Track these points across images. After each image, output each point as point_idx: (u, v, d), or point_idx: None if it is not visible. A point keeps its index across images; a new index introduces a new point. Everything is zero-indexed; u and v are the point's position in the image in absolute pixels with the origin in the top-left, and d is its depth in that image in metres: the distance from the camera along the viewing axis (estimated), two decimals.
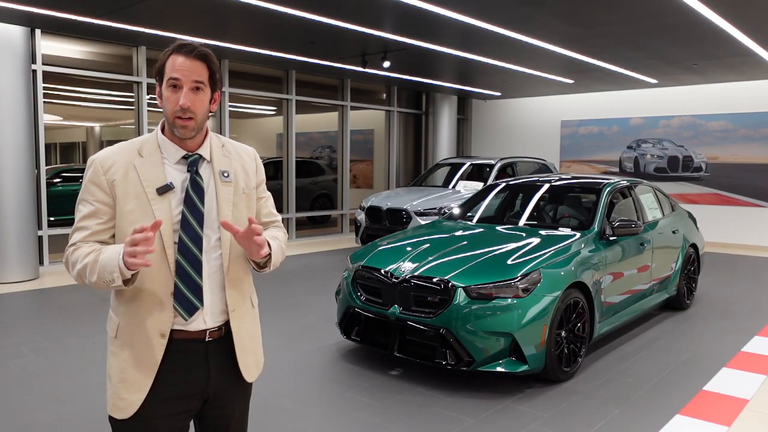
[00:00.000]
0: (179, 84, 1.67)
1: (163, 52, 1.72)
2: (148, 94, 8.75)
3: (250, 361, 1.87)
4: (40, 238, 7.76)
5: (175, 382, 1.74)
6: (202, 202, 1.74)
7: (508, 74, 10.29)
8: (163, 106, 1.72)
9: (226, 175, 1.81)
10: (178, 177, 1.74)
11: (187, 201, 1.71)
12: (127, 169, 1.70)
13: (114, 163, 1.70)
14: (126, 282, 1.60)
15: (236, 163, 1.86)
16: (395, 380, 4.19)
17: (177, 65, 1.67)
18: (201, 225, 1.72)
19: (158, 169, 1.72)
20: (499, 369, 3.90)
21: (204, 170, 1.78)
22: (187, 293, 1.70)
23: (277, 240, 1.91)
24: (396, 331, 4.18)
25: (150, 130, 9.30)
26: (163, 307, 1.70)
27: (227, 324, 1.80)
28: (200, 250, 1.72)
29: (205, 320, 1.75)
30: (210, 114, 1.78)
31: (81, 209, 1.72)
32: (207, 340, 1.76)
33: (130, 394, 1.71)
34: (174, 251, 1.69)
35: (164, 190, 1.70)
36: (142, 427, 1.73)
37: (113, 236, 1.72)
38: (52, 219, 8.05)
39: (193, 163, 1.76)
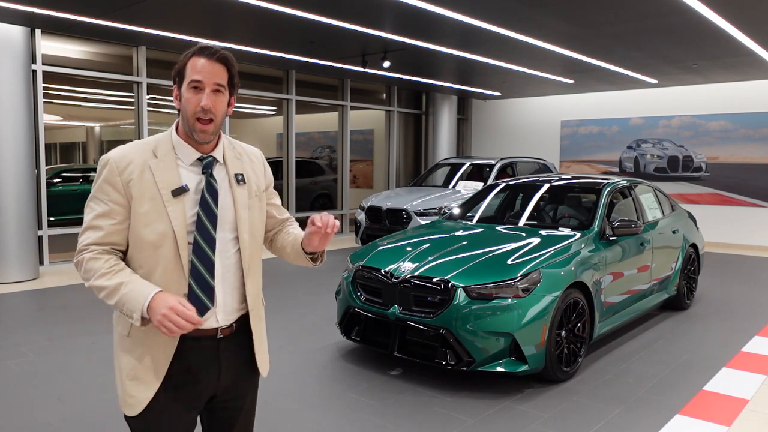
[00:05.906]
0: (201, 86, 1.69)
1: (183, 54, 1.74)
2: (148, 94, 8.74)
3: (264, 357, 1.94)
4: (40, 238, 7.76)
5: (186, 378, 1.77)
6: (216, 205, 1.76)
7: (508, 74, 10.29)
8: (182, 107, 1.73)
9: (240, 178, 1.84)
10: (193, 179, 1.76)
11: (203, 203, 1.74)
12: (142, 169, 1.71)
13: (130, 163, 1.71)
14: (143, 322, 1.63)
15: (247, 165, 1.90)
16: (395, 380, 4.19)
17: (199, 67, 1.69)
18: (215, 227, 1.75)
19: (173, 171, 1.74)
20: (499, 369, 3.90)
21: (218, 172, 1.80)
22: (200, 294, 1.73)
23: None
24: (396, 331, 4.18)
25: (150, 131, 9.31)
26: None
27: (238, 321, 1.84)
28: (213, 251, 1.75)
29: (217, 319, 1.79)
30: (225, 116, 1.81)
31: (93, 207, 1.72)
32: (218, 337, 1.80)
33: (139, 392, 1.74)
34: (188, 252, 1.72)
35: (179, 192, 1.72)
36: (153, 422, 1.77)
37: (125, 237, 1.73)
38: (52, 219, 8.05)
39: (207, 165, 1.78)
